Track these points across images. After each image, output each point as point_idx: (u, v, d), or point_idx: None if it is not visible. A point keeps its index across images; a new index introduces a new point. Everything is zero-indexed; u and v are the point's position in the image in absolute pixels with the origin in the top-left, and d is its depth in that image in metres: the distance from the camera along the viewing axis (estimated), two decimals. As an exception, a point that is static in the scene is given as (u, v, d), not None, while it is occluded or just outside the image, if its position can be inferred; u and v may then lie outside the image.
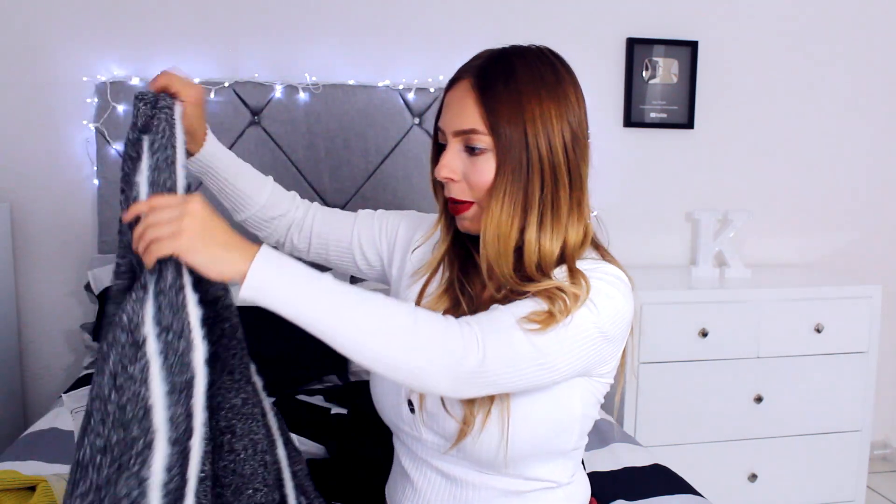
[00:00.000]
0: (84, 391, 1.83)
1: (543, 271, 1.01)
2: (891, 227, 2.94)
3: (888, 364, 2.97)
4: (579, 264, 1.02)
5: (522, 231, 1.01)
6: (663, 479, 1.56)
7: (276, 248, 1.21)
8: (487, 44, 1.12)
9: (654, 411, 2.37)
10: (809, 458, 2.50)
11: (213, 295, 0.95)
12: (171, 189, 0.91)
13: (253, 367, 1.03)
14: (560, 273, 1.01)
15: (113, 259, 2.15)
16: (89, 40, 2.30)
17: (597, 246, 1.09)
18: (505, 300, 1.01)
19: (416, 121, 2.45)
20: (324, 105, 2.37)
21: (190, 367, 0.84)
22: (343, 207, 2.42)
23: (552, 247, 1.01)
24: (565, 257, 1.02)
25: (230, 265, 0.85)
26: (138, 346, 0.83)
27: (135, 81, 2.28)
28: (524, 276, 1.01)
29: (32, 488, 1.18)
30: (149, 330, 0.83)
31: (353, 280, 2.06)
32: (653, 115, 2.67)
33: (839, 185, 2.88)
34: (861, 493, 2.56)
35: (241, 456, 0.96)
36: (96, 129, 2.27)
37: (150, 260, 0.85)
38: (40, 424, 1.68)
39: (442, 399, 1.03)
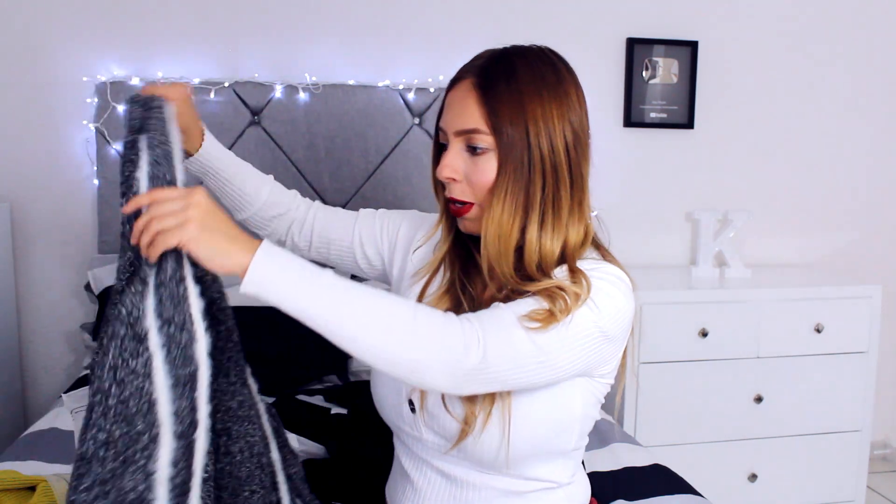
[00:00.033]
0: (84, 391, 1.83)
1: (544, 271, 1.01)
2: (891, 227, 2.94)
3: (888, 364, 2.97)
4: (580, 264, 1.02)
5: (523, 231, 1.02)
6: (663, 479, 1.56)
7: None
8: (487, 44, 1.12)
9: (654, 411, 2.37)
10: (809, 458, 2.50)
11: (209, 297, 0.95)
12: (171, 183, 0.91)
13: (248, 370, 1.03)
14: (560, 273, 1.01)
15: (113, 259, 2.16)
16: (89, 40, 2.30)
17: (597, 246, 1.09)
18: (506, 300, 1.01)
19: (416, 121, 2.45)
20: (324, 105, 2.37)
21: (193, 360, 0.84)
22: (343, 207, 2.41)
23: (553, 246, 1.02)
24: (566, 257, 1.02)
25: (232, 257, 0.85)
26: (140, 339, 0.83)
27: (135, 81, 2.28)
28: (525, 276, 1.02)
29: (32, 488, 1.18)
30: (150, 323, 0.83)
31: (355, 279, 2.05)
32: (653, 115, 2.67)
33: (839, 185, 2.88)
34: (861, 493, 2.56)
35: (238, 458, 0.96)
36: (96, 129, 2.27)
37: (155, 252, 0.84)
38: (40, 424, 1.67)
39: (443, 399, 1.03)
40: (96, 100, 2.26)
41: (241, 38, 2.38)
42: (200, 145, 1.15)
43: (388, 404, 1.12)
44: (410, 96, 2.44)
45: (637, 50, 2.63)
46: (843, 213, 2.89)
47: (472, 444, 1.02)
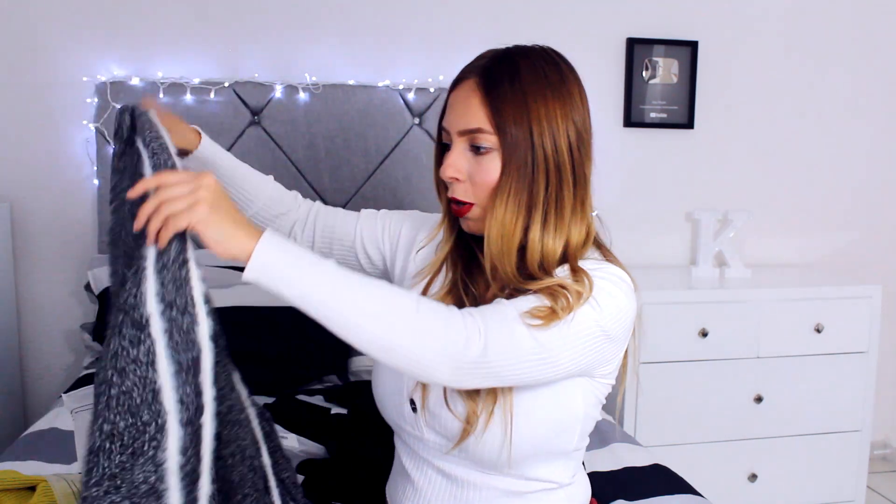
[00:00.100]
0: (84, 391, 1.83)
1: (546, 270, 1.01)
2: (891, 227, 2.94)
3: (888, 364, 2.97)
4: (582, 264, 1.02)
5: (526, 230, 1.02)
6: (663, 479, 1.56)
7: None
8: (487, 44, 1.12)
9: (654, 411, 2.37)
10: (809, 458, 2.50)
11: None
12: (173, 168, 0.91)
13: (237, 376, 1.02)
14: (562, 272, 1.01)
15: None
16: (89, 40, 2.30)
17: (599, 245, 1.09)
18: (508, 299, 1.01)
19: (416, 121, 2.45)
20: (324, 105, 2.37)
21: (196, 344, 0.83)
22: (343, 207, 2.40)
23: (555, 246, 1.02)
24: (568, 256, 1.03)
25: (237, 242, 0.85)
26: (141, 327, 0.82)
27: (135, 81, 2.28)
28: (527, 275, 1.02)
29: (32, 488, 1.17)
30: (152, 308, 0.82)
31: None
32: (653, 115, 2.67)
33: (839, 185, 2.88)
34: (861, 493, 2.56)
35: (229, 462, 0.96)
36: (96, 129, 2.27)
37: (167, 235, 0.84)
38: (40, 424, 1.67)
39: (445, 398, 1.03)
40: (96, 100, 2.26)
41: (240, 38, 2.38)
42: (197, 144, 1.15)
43: (390, 404, 1.12)
44: (410, 96, 2.44)
45: (637, 50, 2.63)
46: (843, 213, 2.89)
47: (474, 444, 1.02)
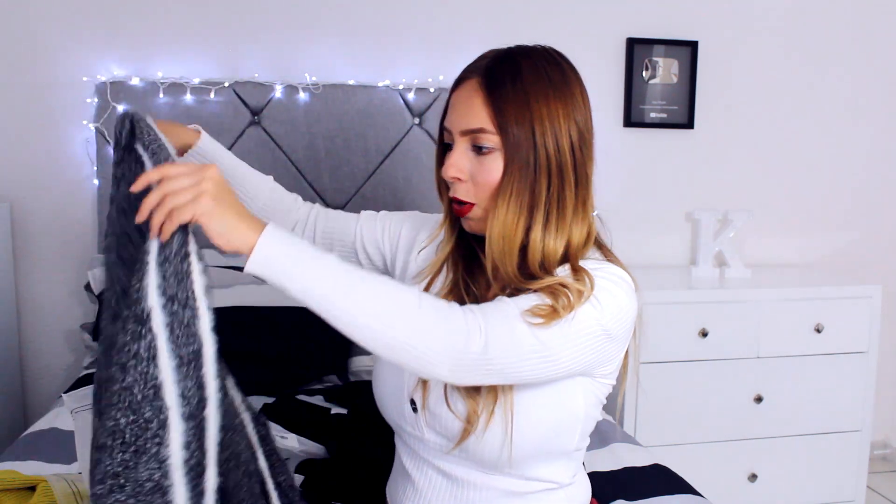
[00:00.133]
0: (84, 391, 1.82)
1: (547, 270, 1.01)
2: (891, 227, 2.94)
3: (888, 364, 2.97)
4: (583, 264, 1.02)
5: (528, 230, 1.02)
6: (663, 479, 1.56)
7: None
8: (488, 44, 1.12)
9: (654, 411, 2.37)
10: (809, 458, 2.50)
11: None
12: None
13: (231, 381, 1.01)
14: (563, 272, 1.01)
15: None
16: (89, 40, 2.30)
17: (600, 246, 1.09)
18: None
19: (416, 121, 2.45)
20: (324, 105, 2.37)
21: (197, 337, 0.83)
22: (343, 207, 2.42)
23: (556, 246, 1.02)
24: (569, 256, 1.03)
25: (240, 234, 0.85)
26: (142, 321, 0.81)
27: (135, 81, 2.28)
28: (528, 275, 1.02)
29: (32, 488, 1.18)
30: (154, 302, 0.82)
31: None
32: (653, 115, 2.67)
33: (839, 185, 2.88)
34: (861, 493, 2.56)
35: (222, 469, 0.95)
36: (96, 129, 2.27)
37: (171, 228, 0.83)
38: (40, 424, 1.67)
39: (446, 397, 1.03)
40: (96, 100, 2.26)
41: (240, 38, 2.38)
42: (199, 139, 1.15)
43: (390, 404, 1.12)
44: (410, 96, 2.44)
45: (637, 50, 2.63)
46: (843, 213, 2.89)
47: (475, 444, 1.02)
